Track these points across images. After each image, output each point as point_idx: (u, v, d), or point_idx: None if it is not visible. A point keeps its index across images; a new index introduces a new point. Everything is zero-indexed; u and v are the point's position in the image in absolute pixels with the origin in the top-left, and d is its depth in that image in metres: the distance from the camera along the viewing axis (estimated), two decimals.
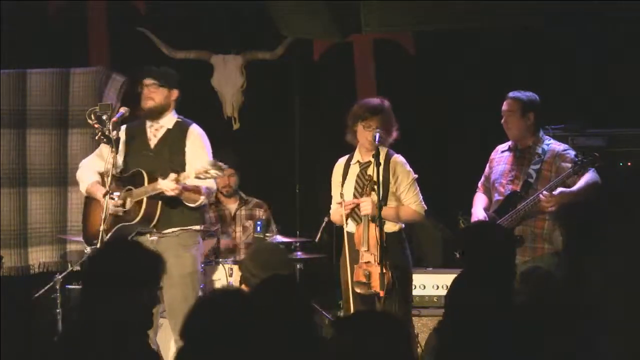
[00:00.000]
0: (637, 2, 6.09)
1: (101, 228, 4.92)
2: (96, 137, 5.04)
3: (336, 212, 5.26)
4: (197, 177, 4.95)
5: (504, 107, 5.36)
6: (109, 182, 4.98)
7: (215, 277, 6.08)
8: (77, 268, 6.21)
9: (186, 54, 7.24)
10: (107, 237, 5.07)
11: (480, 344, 2.37)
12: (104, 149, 5.16)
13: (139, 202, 5.09)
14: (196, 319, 2.70)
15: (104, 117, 5.00)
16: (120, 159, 5.25)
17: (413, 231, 5.51)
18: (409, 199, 5.16)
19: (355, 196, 5.16)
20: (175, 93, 5.26)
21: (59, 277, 6.04)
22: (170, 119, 5.27)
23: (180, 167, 5.13)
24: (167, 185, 4.97)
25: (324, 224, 6.01)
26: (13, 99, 6.65)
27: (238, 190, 6.68)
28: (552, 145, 5.32)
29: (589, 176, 5.11)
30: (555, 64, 6.68)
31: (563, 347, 2.69)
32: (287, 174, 7.24)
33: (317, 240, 6.18)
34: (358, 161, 5.24)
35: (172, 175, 4.97)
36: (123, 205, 5.11)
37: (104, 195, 5.02)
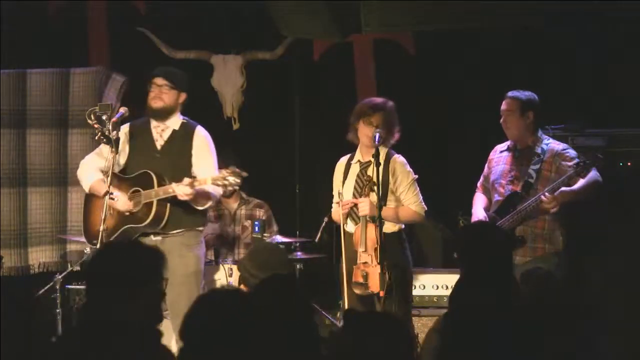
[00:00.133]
0: (637, 2, 6.10)
1: (101, 228, 4.92)
2: (96, 137, 5.03)
3: (336, 212, 5.26)
4: (215, 184, 4.97)
5: (503, 106, 5.36)
6: (109, 181, 4.97)
7: (215, 277, 6.09)
8: (77, 268, 6.21)
9: (186, 54, 7.24)
10: (114, 237, 5.09)
11: (481, 344, 2.38)
12: (104, 148, 5.15)
13: (148, 204, 5.09)
14: (195, 319, 2.70)
15: (104, 117, 5.00)
16: (123, 157, 5.25)
17: (413, 231, 5.50)
18: (408, 199, 5.16)
19: (354, 196, 5.17)
20: (183, 96, 5.26)
21: (59, 277, 6.04)
22: (176, 120, 5.27)
23: (186, 169, 5.16)
24: (182, 190, 4.97)
25: (324, 224, 6.01)
26: (13, 99, 6.65)
27: (239, 190, 6.68)
28: (551, 144, 5.32)
29: (590, 175, 5.12)
30: (555, 64, 6.68)
31: (563, 347, 2.69)
32: (287, 174, 7.24)
33: (317, 240, 6.18)
34: (359, 160, 5.24)
35: (187, 180, 4.97)
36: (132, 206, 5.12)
37: (104, 195, 5.02)
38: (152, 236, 5.16)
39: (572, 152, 5.28)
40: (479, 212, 5.35)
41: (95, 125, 5.01)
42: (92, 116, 5.03)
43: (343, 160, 5.34)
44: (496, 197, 5.36)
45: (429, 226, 6.28)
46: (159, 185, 5.07)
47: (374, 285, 4.95)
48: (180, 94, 5.25)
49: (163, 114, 5.23)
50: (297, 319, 3.03)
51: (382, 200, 4.97)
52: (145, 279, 3.01)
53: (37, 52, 7.05)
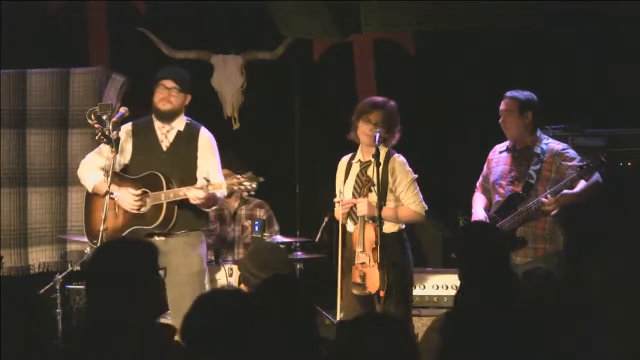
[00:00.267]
0: (637, 2, 6.10)
1: (101, 228, 4.92)
2: (96, 137, 5.03)
3: (338, 211, 5.26)
4: (230, 188, 4.98)
5: (502, 106, 5.36)
6: (109, 181, 4.98)
7: (215, 277, 6.09)
8: (77, 268, 6.21)
9: (186, 54, 7.24)
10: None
11: (481, 344, 2.38)
12: (104, 148, 5.15)
13: (157, 206, 5.09)
14: (196, 318, 2.70)
15: (104, 117, 5.00)
16: (125, 156, 5.25)
17: (413, 231, 5.50)
18: (408, 199, 5.14)
19: (354, 195, 5.16)
20: (189, 97, 5.28)
21: (59, 277, 6.04)
22: (181, 121, 5.28)
23: (192, 170, 5.19)
24: (195, 193, 4.98)
25: (324, 224, 6.01)
26: (13, 99, 6.65)
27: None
28: (551, 144, 5.32)
29: (591, 178, 5.12)
30: (555, 64, 6.68)
31: (563, 347, 2.69)
32: (287, 174, 7.24)
33: (317, 240, 6.18)
34: (359, 160, 5.24)
35: (200, 184, 4.98)
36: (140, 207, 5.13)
37: (104, 195, 5.02)
38: (155, 236, 5.17)
39: (571, 152, 5.28)
40: (479, 212, 5.35)
41: (95, 125, 5.00)
42: (92, 116, 5.03)
43: (345, 159, 5.34)
44: (496, 198, 5.36)
45: (429, 226, 6.29)
46: (167, 187, 5.08)
47: (372, 286, 4.94)
48: (186, 96, 5.26)
49: (170, 116, 5.24)
50: (299, 319, 3.03)
51: (381, 200, 4.96)
52: (144, 273, 3.03)
53: (37, 52, 7.04)
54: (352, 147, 5.31)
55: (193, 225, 5.22)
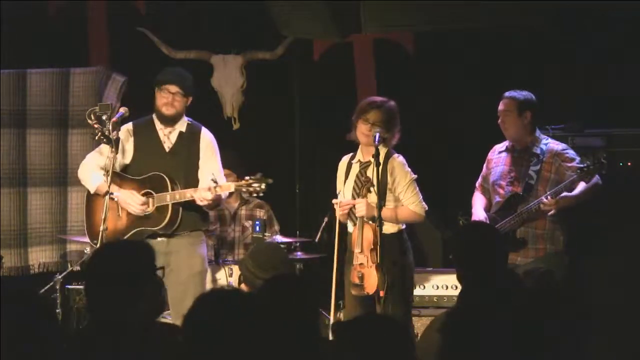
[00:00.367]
0: (637, 2, 6.10)
1: (101, 228, 4.92)
2: (96, 137, 5.03)
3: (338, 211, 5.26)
4: (238, 190, 4.98)
5: (500, 106, 5.36)
6: (109, 181, 4.98)
7: (215, 277, 6.09)
8: (77, 268, 6.21)
9: (186, 54, 7.24)
10: (126, 237, 5.11)
11: (481, 344, 2.38)
12: (104, 148, 5.15)
13: (162, 207, 5.10)
14: (196, 318, 2.70)
15: (104, 117, 5.00)
16: (126, 157, 5.25)
17: (413, 231, 5.50)
18: (407, 199, 5.13)
19: (353, 196, 5.15)
20: (191, 99, 5.28)
21: (59, 277, 6.04)
22: (182, 122, 5.30)
23: (195, 170, 5.20)
24: (202, 195, 4.99)
25: (324, 224, 6.01)
26: (13, 99, 6.66)
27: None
28: (550, 144, 5.32)
29: (591, 180, 5.12)
30: (555, 64, 6.67)
31: (563, 347, 2.69)
32: (287, 174, 7.24)
33: (317, 240, 6.18)
34: (359, 160, 5.23)
35: (208, 185, 4.98)
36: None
37: (104, 195, 5.02)
38: (158, 237, 5.17)
39: (571, 153, 5.28)
40: (479, 212, 5.35)
41: (95, 125, 5.00)
42: (92, 116, 5.03)
43: (345, 159, 5.33)
44: (496, 199, 5.36)
45: (429, 226, 6.29)
46: (172, 188, 5.08)
47: (370, 287, 4.94)
48: (189, 99, 5.26)
49: (174, 120, 5.25)
50: (302, 319, 3.04)
51: (381, 200, 4.96)
52: (143, 273, 3.05)
53: (37, 52, 7.04)
54: (352, 147, 5.30)
55: (195, 226, 5.24)
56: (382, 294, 4.86)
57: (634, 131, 6.25)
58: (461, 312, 2.50)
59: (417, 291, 6.00)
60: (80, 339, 3.11)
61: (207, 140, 5.29)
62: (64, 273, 6.10)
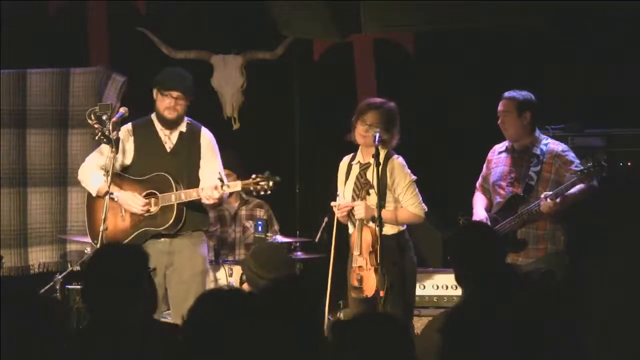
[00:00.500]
0: (637, 2, 6.10)
1: (101, 228, 4.92)
2: (96, 137, 5.03)
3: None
4: (245, 188, 4.99)
5: (500, 107, 5.35)
6: (109, 181, 4.98)
7: (215, 277, 6.09)
8: (77, 268, 6.21)
9: (186, 54, 7.24)
10: (130, 238, 5.12)
11: (481, 344, 2.38)
12: (105, 148, 5.15)
13: (167, 207, 5.10)
14: (197, 317, 2.70)
15: (104, 117, 5.00)
16: (127, 157, 5.25)
17: (413, 231, 5.50)
18: (406, 200, 5.12)
19: (353, 198, 5.15)
20: (190, 99, 5.27)
21: (59, 277, 6.04)
22: (182, 122, 5.29)
23: (196, 170, 5.21)
24: (210, 193, 4.99)
25: (324, 224, 6.01)
26: (13, 99, 6.66)
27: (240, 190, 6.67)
28: (550, 145, 5.31)
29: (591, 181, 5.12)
30: (555, 64, 6.67)
31: (563, 346, 2.69)
32: (287, 174, 7.23)
33: (317, 240, 6.18)
34: (359, 162, 5.22)
35: (214, 184, 4.98)
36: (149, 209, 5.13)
37: (104, 195, 5.02)
38: (161, 237, 5.18)
39: (571, 155, 5.26)
40: (480, 212, 5.35)
41: (95, 125, 5.00)
42: (92, 116, 5.03)
43: (345, 160, 5.32)
44: (497, 199, 5.35)
45: (428, 226, 6.29)
46: (176, 188, 5.08)
47: (369, 290, 4.94)
48: (190, 100, 5.26)
49: (176, 123, 5.25)
50: (303, 319, 3.04)
51: (381, 200, 4.95)
52: (138, 274, 3.08)
53: (37, 52, 7.04)
54: (352, 147, 5.30)
55: (198, 226, 5.25)
56: (382, 294, 4.85)
57: (634, 131, 6.25)
58: (461, 312, 2.50)
59: (417, 291, 5.97)
60: (80, 339, 3.12)
61: (208, 139, 5.30)
62: (64, 273, 6.10)
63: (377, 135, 4.97)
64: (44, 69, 6.75)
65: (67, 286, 6.17)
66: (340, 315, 6.04)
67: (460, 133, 6.82)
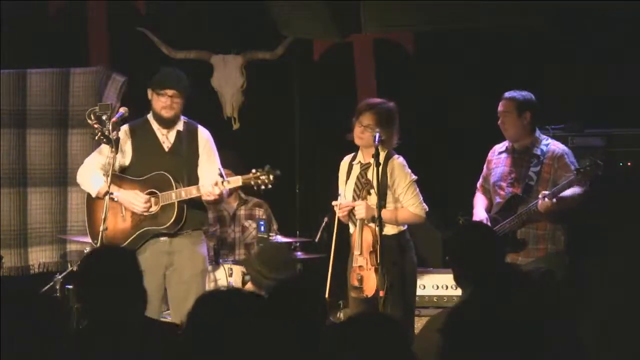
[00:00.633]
0: (637, 2, 6.10)
1: (101, 228, 4.92)
2: (96, 137, 5.04)
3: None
4: (246, 183, 4.99)
5: (500, 107, 5.35)
6: (109, 181, 4.98)
7: (215, 277, 6.09)
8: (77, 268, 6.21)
9: (186, 54, 7.24)
10: (132, 238, 5.11)
11: (482, 344, 2.38)
12: (104, 148, 5.16)
13: (168, 206, 5.10)
14: (197, 318, 2.70)
15: (104, 117, 5.00)
16: (125, 158, 5.25)
17: (412, 231, 5.50)
18: (407, 201, 5.12)
19: (354, 198, 5.15)
20: (186, 97, 5.28)
21: (59, 277, 6.04)
22: (179, 121, 5.29)
23: (194, 168, 5.22)
24: (209, 190, 4.99)
25: (324, 224, 6.01)
26: (13, 99, 6.66)
27: (237, 190, 6.67)
28: (551, 146, 5.31)
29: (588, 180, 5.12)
30: (555, 64, 6.67)
31: (563, 346, 2.69)
32: (287, 174, 7.23)
33: (317, 240, 6.18)
34: (360, 162, 5.22)
35: (215, 180, 4.98)
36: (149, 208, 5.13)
37: (104, 195, 5.02)
38: (161, 237, 5.18)
39: (570, 159, 5.26)
40: (480, 212, 5.35)
41: (95, 125, 5.01)
42: (92, 116, 5.03)
43: (346, 159, 5.33)
44: (497, 200, 5.35)
45: (429, 226, 6.29)
46: (176, 187, 5.09)
47: (369, 290, 4.94)
48: (186, 97, 5.26)
49: (173, 122, 5.25)
50: (312, 319, 3.05)
51: (381, 200, 4.95)
52: (129, 274, 3.11)
53: (37, 52, 7.04)
54: (352, 147, 5.30)
55: (198, 224, 5.26)
56: (381, 294, 4.85)
57: (634, 131, 6.25)
58: (461, 312, 2.50)
59: (417, 291, 5.98)
60: (80, 339, 3.12)
61: (205, 138, 5.31)
62: (64, 273, 6.10)
63: (377, 135, 4.97)
64: (44, 69, 6.75)
65: (67, 286, 6.17)
66: (340, 315, 6.04)
67: (460, 133, 6.82)
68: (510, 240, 5.20)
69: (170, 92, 5.18)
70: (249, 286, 4.49)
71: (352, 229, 5.18)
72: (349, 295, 5.22)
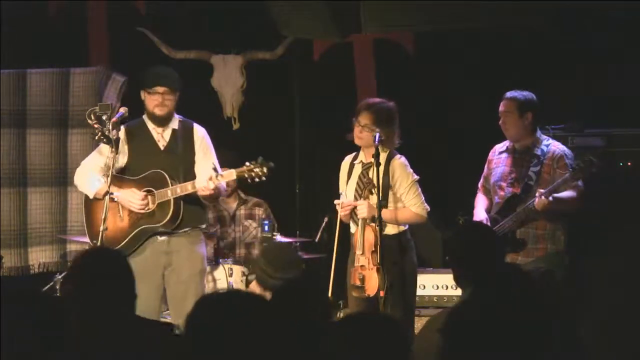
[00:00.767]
0: (637, 2, 6.09)
1: (101, 228, 4.92)
2: (96, 137, 5.04)
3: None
4: (240, 176, 4.99)
5: (501, 107, 5.35)
6: (109, 181, 4.98)
7: (215, 277, 6.09)
8: None
9: (186, 54, 7.24)
10: (129, 237, 5.12)
11: (482, 344, 2.38)
12: (104, 148, 5.16)
13: (164, 204, 5.10)
14: (198, 318, 2.70)
15: (104, 117, 5.01)
16: (122, 159, 5.25)
17: (413, 231, 5.50)
18: (409, 200, 5.13)
19: (355, 197, 5.15)
20: (178, 94, 5.28)
21: (59, 277, 6.04)
22: (174, 120, 5.31)
23: (191, 166, 5.22)
24: (203, 185, 4.99)
25: (324, 224, 6.01)
26: (13, 99, 6.65)
27: (237, 189, 6.68)
28: (551, 146, 5.31)
29: (579, 185, 5.13)
30: (555, 64, 6.67)
31: (563, 347, 2.69)
32: (287, 174, 7.24)
33: (317, 240, 6.18)
34: (361, 161, 5.23)
35: (209, 175, 4.98)
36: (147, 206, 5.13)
37: (104, 196, 5.03)
38: (158, 236, 5.18)
39: (569, 161, 5.26)
40: (480, 213, 5.35)
41: (95, 125, 5.01)
42: (92, 116, 5.03)
43: (347, 159, 5.33)
44: (497, 200, 5.36)
45: (429, 226, 6.29)
46: (172, 184, 5.09)
47: (371, 289, 4.94)
48: (178, 94, 5.27)
49: (167, 119, 5.26)
50: (315, 319, 3.05)
51: (382, 200, 4.96)
52: (120, 273, 3.14)
53: (37, 52, 7.04)
54: (352, 147, 5.31)
55: (196, 222, 5.26)
56: (382, 294, 4.86)
57: (634, 131, 6.25)
58: (461, 312, 2.50)
59: (417, 291, 5.99)
60: (80, 339, 3.11)
61: (201, 136, 5.31)
62: (64, 273, 6.09)
63: (377, 135, 4.98)
64: (44, 69, 6.75)
65: None
66: (340, 315, 6.04)
67: (460, 133, 6.82)
68: (510, 240, 5.20)
69: (161, 89, 5.19)
70: (254, 286, 4.49)
71: (353, 228, 5.19)
72: (349, 295, 5.21)
